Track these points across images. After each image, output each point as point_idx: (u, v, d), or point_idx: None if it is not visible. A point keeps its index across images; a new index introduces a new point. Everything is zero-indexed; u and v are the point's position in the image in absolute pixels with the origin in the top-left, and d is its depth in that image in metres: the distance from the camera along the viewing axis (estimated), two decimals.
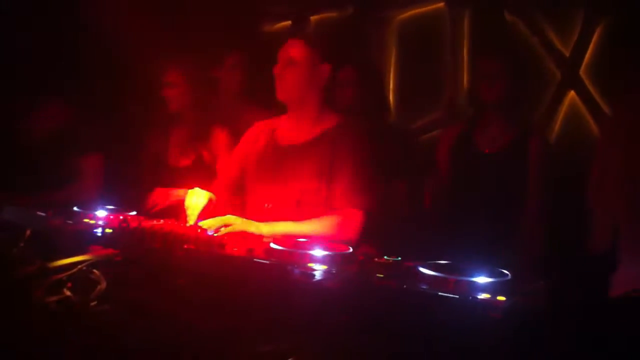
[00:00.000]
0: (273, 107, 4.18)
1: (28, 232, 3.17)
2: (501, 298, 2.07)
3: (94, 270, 2.60)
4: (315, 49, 3.81)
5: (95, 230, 3.11)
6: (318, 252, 2.60)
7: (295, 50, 3.80)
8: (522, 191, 4.20)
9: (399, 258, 2.62)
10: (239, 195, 4.06)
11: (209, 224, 3.26)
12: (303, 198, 3.72)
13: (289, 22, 6.45)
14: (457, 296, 2.04)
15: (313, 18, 6.34)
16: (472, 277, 2.23)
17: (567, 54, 5.15)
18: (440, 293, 2.07)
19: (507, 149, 4.28)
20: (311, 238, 3.11)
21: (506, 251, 3.95)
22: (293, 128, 3.92)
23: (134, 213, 3.45)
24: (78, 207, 3.47)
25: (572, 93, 5.12)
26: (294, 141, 3.87)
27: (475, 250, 2.83)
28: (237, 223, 3.36)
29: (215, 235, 3.09)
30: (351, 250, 2.71)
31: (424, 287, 2.19)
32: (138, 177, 4.63)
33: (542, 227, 4.17)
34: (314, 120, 3.87)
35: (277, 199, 3.78)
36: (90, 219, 3.29)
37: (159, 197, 4.05)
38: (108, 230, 3.08)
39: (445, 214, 4.38)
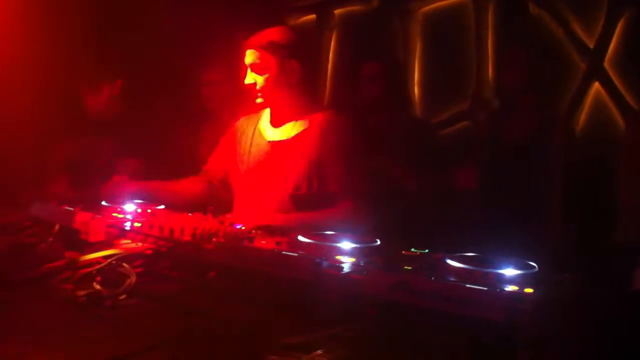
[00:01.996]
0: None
1: (57, 227, 3.20)
2: (529, 290, 2.07)
3: (124, 264, 2.62)
4: (279, 53, 3.81)
5: (124, 224, 3.13)
6: (346, 244, 2.60)
7: (258, 60, 3.83)
8: (548, 183, 4.19)
9: (427, 250, 2.62)
10: (226, 189, 4.09)
11: (236, 219, 3.28)
12: (294, 193, 3.76)
13: (313, 16, 6.46)
14: (485, 288, 2.05)
15: (337, 11, 6.35)
16: (500, 269, 2.23)
17: (592, 45, 5.13)
18: (468, 285, 2.07)
19: (534, 140, 4.27)
20: (325, 227, 3.16)
21: (534, 243, 3.94)
22: (278, 125, 3.97)
23: (162, 207, 3.46)
24: (106, 202, 3.49)
25: (597, 84, 5.10)
26: (282, 137, 3.92)
27: (504, 242, 2.83)
28: (263, 218, 3.38)
29: (243, 228, 3.11)
30: (379, 242, 2.71)
31: (452, 279, 2.20)
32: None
33: (560, 218, 4.15)
34: (299, 116, 3.91)
35: (268, 194, 3.81)
36: (119, 213, 3.31)
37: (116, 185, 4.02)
38: (137, 224, 3.09)
39: (476, 207, 4.36)
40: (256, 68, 3.82)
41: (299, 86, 3.88)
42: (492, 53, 5.55)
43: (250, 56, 3.84)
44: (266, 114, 4.04)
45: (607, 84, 5.05)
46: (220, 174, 4.13)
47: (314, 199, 3.76)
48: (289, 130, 3.91)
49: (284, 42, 3.81)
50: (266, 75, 3.81)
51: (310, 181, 3.78)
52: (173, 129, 5.36)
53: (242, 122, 4.17)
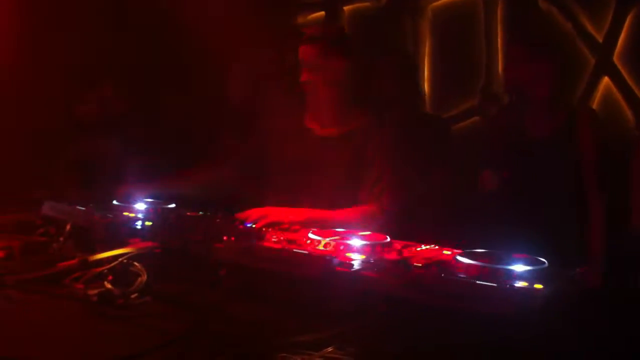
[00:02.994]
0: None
1: (68, 226, 3.21)
2: (538, 286, 2.07)
3: (135, 263, 2.63)
4: (332, 50, 3.79)
5: (135, 223, 3.14)
6: (356, 241, 2.61)
7: (313, 57, 3.80)
8: (574, 175, 4.17)
9: (437, 247, 2.63)
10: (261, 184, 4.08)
11: (246, 215, 3.28)
12: (333, 192, 3.76)
13: (322, 13, 6.46)
14: (495, 284, 2.05)
15: (347, 8, 6.34)
16: (510, 265, 2.23)
17: (601, 40, 5.12)
18: (478, 281, 2.07)
19: (558, 133, 4.24)
20: (343, 225, 3.17)
21: (563, 237, 3.94)
22: (323, 121, 3.96)
23: (173, 205, 3.47)
24: (117, 201, 3.50)
25: (606, 79, 5.09)
26: (326, 134, 3.91)
27: (528, 238, 2.82)
28: (273, 213, 3.39)
29: (253, 226, 3.11)
30: (389, 239, 2.71)
31: (462, 275, 2.20)
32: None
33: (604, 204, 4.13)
34: (344, 115, 3.90)
35: (308, 193, 3.81)
36: (130, 212, 3.32)
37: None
38: (148, 223, 3.10)
39: (501, 202, 4.33)
40: (309, 65, 3.81)
41: (348, 84, 3.87)
42: (501, 49, 5.54)
43: (305, 53, 3.83)
44: (311, 111, 4.03)
45: (616, 78, 5.04)
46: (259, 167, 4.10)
47: (350, 197, 3.76)
48: (332, 128, 3.90)
49: (335, 38, 3.81)
50: (319, 72, 3.80)
51: (350, 181, 3.78)
52: (187, 128, 5.37)
53: (286, 119, 4.15)
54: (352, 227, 3.02)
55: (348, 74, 3.84)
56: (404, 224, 3.75)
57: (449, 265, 2.31)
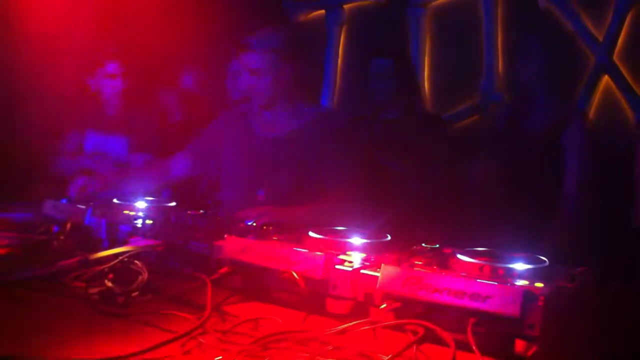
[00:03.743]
0: None
1: (69, 225, 3.21)
2: (539, 284, 2.07)
3: (136, 261, 2.63)
4: (272, 54, 3.82)
5: (135, 221, 3.14)
6: (356, 240, 2.61)
7: (253, 61, 3.83)
8: (564, 175, 4.19)
9: (437, 245, 2.63)
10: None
11: (247, 213, 3.29)
12: (294, 189, 3.79)
13: (322, 11, 6.46)
14: (496, 283, 2.05)
15: (347, 6, 6.35)
16: (510, 263, 2.23)
17: (601, 39, 5.12)
18: (478, 280, 2.08)
19: (550, 132, 4.26)
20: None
21: (552, 235, 3.96)
22: (271, 121, 4.01)
23: (173, 204, 3.47)
24: (118, 199, 3.50)
25: (606, 78, 5.10)
26: (277, 133, 3.96)
27: (521, 236, 2.83)
28: (273, 211, 3.40)
29: (254, 224, 3.11)
30: (389, 237, 2.71)
31: (463, 274, 2.20)
32: None
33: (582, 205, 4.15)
34: (293, 113, 3.96)
35: (269, 190, 3.84)
36: (130, 210, 3.32)
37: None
38: (149, 222, 3.10)
39: (494, 200, 4.35)
40: (250, 69, 3.84)
41: (293, 84, 3.90)
42: (501, 47, 5.54)
43: (245, 58, 3.86)
44: (260, 112, 4.05)
45: (616, 77, 5.05)
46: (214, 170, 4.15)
47: (314, 194, 3.80)
48: (282, 126, 3.94)
49: (275, 43, 3.83)
50: (261, 76, 3.83)
51: (308, 177, 3.81)
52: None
53: (234, 120, 4.19)
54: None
55: (290, 77, 3.88)
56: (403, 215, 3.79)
57: (450, 264, 2.32)
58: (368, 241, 2.61)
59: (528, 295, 1.95)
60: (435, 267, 2.27)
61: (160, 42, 5.74)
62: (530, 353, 1.90)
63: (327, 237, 2.66)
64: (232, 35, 4.65)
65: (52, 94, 5.25)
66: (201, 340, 2.05)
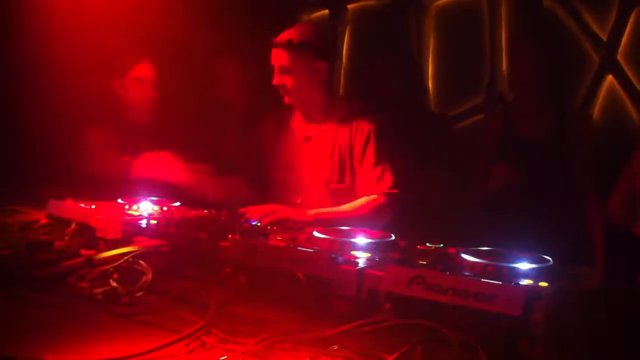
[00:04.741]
0: None
1: (73, 224, 3.21)
2: (543, 284, 2.07)
3: (140, 261, 2.64)
4: (304, 53, 3.83)
5: (140, 221, 3.14)
6: (360, 239, 2.61)
7: (284, 60, 3.84)
8: (569, 175, 4.19)
9: (442, 245, 2.63)
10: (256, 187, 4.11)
11: (252, 213, 3.29)
12: (329, 188, 3.81)
13: (326, 11, 6.45)
14: (500, 282, 2.05)
15: (350, 7, 6.34)
16: (515, 263, 2.23)
17: (605, 38, 5.12)
18: (483, 279, 2.08)
19: (552, 133, 4.26)
20: (352, 220, 3.24)
21: (554, 237, 3.95)
22: (307, 120, 4.03)
23: (177, 204, 3.48)
24: (122, 199, 3.51)
25: (610, 77, 5.09)
26: (312, 132, 3.95)
27: (523, 237, 2.83)
28: (279, 211, 3.41)
29: (258, 224, 3.12)
30: (393, 237, 2.72)
31: (467, 273, 2.20)
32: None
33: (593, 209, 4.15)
34: (327, 112, 3.96)
35: (304, 190, 3.85)
36: (135, 210, 3.32)
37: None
38: (153, 222, 3.11)
39: (507, 199, 4.33)
40: (283, 69, 3.84)
41: (326, 85, 3.91)
42: (505, 46, 5.53)
43: (276, 57, 3.86)
44: (296, 111, 4.08)
45: (620, 76, 5.03)
46: (254, 173, 4.16)
47: (346, 192, 3.82)
48: (317, 125, 3.95)
49: (307, 41, 3.83)
50: (293, 76, 3.83)
51: (343, 175, 3.82)
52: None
53: (272, 121, 4.21)
54: (362, 222, 3.06)
55: (321, 74, 3.89)
56: (407, 215, 3.80)
57: (454, 263, 2.32)
58: (372, 241, 2.62)
59: (532, 294, 1.95)
60: (439, 267, 2.27)
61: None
62: (533, 352, 1.90)
63: (331, 237, 2.66)
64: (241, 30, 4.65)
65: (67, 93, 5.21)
66: (205, 340, 2.05)
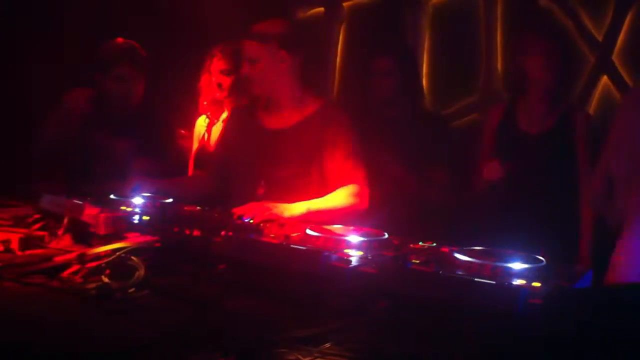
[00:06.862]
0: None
1: (66, 220, 3.21)
2: (536, 284, 2.07)
3: (133, 257, 2.63)
4: (269, 43, 3.87)
5: (132, 217, 3.14)
6: (354, 238, 2.61)
7: (251, 50, 3.89)
8: (569, 171, 4.20)
9: (435, 244, 2.63)
10: (224, 181, 4.13)
11: (244, 210, 3.29)
12: (295, 181, 3.82)
13: (321, 9, 6.44)
14: (493, 282, 2.05)
15: (346, 4, 6.33)
16: (508, 263, 2.23)
17: (600, 39, 5.12)
18: (476, 279, 2.08)
19: (553, 129, 4.27)
20: (333, 212, 3.37)
21: (554, 235, 3.96)
22: (275, 114, 4.04)
23: (170, 200, 3.47)
24: (115, 195, 3.50)
25: (605, 78, 5.09)
26: (280, 125, 3.97)
27: (523, 235, 2.82)
28: (272, 209, 3.41)
29: (251, 222, 3.11)
30: (386, 235, 2.72)
31: (460, 273, 2.20)
32: None
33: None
34: (296, 105, 4.00)
35: (269, 183, 3.87)
36: (128, 206, 3.32)
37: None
38: (145, 218, 3.10)
39: (500, 196, 4.33)
40: (251, 59, 3.88)
41: (292, 76, 3.93)
42: (501, 45, 5.53)
43: (245, 47, 3.92)
44: (263, 103, 4.09)
45: (615, 77, 5.04)
46: (221, 167, 4.18)
47: (315, 185, 3.83)
48: (285, 119, 3.96)
49: (272, 32, 3.88)
50: (258, 65, 3.87)
51: (311, 168, 3.84)
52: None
53: (237, 113, 4.25)
54: (349, 214, 3.07)
55: (285, 64, 3.91)
56: (401, 213, 3.82)
57: (447, 263, 2.32)
58: (365, 239, 2.62)
59: (525, 294, 1.95)
60: (432, 266, 2.27)
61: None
62: (526, 351, 1.90)
63: (324, 235, 2.66)
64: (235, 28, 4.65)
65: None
66: (198, 336, 2.05)
